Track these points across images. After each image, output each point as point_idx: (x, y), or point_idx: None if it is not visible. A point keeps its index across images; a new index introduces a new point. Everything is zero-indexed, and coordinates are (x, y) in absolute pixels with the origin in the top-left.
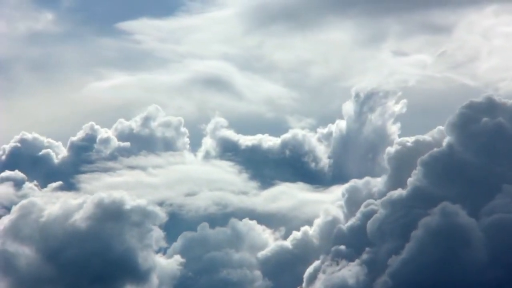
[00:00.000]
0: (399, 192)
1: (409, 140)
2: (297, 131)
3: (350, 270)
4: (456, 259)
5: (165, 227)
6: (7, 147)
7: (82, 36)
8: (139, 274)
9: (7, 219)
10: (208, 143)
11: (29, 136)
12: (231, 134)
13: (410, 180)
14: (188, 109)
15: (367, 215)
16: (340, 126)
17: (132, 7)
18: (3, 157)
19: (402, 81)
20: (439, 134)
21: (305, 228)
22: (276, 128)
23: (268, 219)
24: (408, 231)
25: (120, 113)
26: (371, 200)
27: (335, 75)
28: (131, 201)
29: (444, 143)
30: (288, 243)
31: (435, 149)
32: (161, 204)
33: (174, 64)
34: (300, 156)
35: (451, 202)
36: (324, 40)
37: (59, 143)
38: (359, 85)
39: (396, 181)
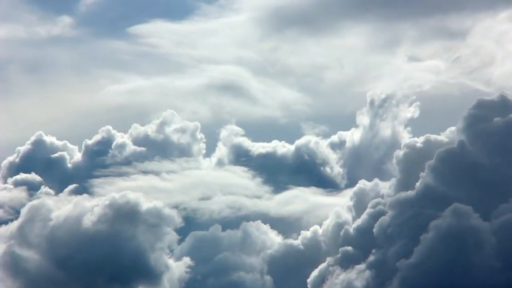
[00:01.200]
0: (408, 193)
1: (418, 140)
2: (311, 138)
3: (357, 274)
4: (467, 263)
5: (179, 231)
6: (22, 149)
7: (99, 39)
8: (152, 276)
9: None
10: (222, 149)
11: (43, 138)
12: (245, 141)
13: (419, 180)
14: (203, 113)
15: (374, 216)
16: (354, 135)
17: (148, 11)
18: (18, 159)
19: (416, 87)
20: (451, 134)
21: (315, 227)
22: (290, 134)
23: (280, 222)
24: (417, 233)
25: (136, 117)
26: (378, 200)
27: (350, 80)
28: (147, 203)
29: (455, 143)
30: (298, 242)
31: (445, 147)
32: (175, 208)
33: (190, 69)
34: (313, 163)
35: (462, 203)
36: (338, 45)
37: (75, 147)
38: (374, 91)
39: (405, 183)
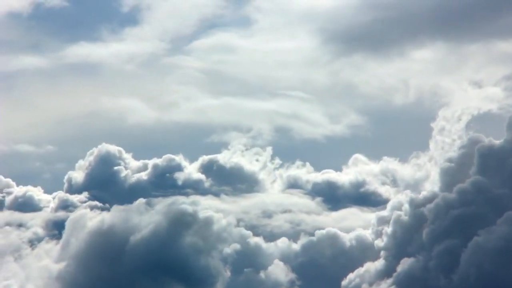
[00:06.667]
0: (450, 194)
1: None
2: (372, 167)
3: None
4: None
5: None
6: (84, 162)
7: (168, 54)
8: (209, 281)
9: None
10: (285, 175)
11: (106, 150)
12: (307, 170)
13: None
14: (269, 135)
15: (410, 223)
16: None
17: (218, 25)
18: (83, 174)
19: (475, 115)
20: None
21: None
22: (354, 158)
23: None
24: (459, 242)
25: (203, 136)
26: (413, 197)
27: (415, 104)
28: (221, 218)
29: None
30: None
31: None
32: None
33: (258, 88)
34: (373, 189)
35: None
36: (406, 68)
37: (145, 163)
38: (437, 121)
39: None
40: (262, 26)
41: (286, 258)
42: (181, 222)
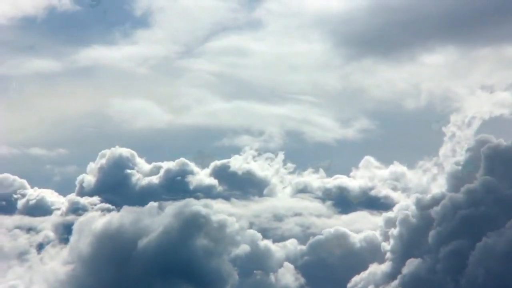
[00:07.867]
0: (457, 194)
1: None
2: (382, 172)
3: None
4: None
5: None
6: (95, 165)
7: (180, 57)
8: (221, 282)
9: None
10: (296, 181)
11: (119, 153)
12: (320, 176)
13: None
14: (280, 139)
15: (418, 224)
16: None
17: (227, 29)
18: (95, 176)
19: (485, 118)
20: None
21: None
22: (364, 162)
23: None
24: (468, 243)
25: (214, 139)
26: (419, 196)
27: (426, 109)
28: (233, 223)
29: None
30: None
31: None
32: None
33: (269, 92)
34: (383, 196)
35: None
36: (416, 73)
37: (157, 166)
38: (449, 128)
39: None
40: (273, 29)
41: (294, 260)
42: (194, 224)
